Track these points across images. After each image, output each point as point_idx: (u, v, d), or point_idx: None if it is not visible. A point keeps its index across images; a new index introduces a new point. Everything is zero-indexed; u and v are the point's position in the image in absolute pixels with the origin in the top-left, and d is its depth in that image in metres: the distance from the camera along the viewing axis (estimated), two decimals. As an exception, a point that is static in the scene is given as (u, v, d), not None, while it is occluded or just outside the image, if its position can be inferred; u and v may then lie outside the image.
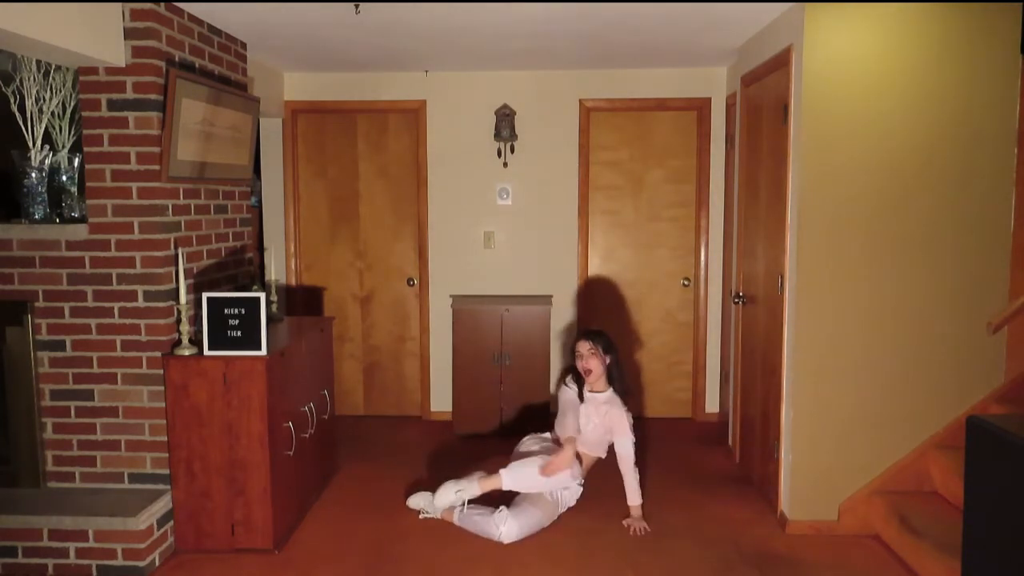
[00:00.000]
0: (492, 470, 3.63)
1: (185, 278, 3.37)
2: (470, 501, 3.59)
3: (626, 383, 3.90)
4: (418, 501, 3.71)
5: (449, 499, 3.58)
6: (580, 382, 3.86)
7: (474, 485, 3.59)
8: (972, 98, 3.36)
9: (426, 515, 3.66)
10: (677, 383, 5.38)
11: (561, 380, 4.06)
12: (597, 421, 3.76)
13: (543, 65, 4.98)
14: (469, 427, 4.95)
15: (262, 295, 3.27)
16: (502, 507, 3.53)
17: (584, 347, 3.79)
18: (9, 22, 2.55)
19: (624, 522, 3.66)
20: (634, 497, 3.72)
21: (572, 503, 3.76)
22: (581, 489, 3.79)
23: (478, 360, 4.91)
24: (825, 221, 3.42)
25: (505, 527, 3.44)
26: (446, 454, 4.65)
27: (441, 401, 5.38)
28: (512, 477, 3.58)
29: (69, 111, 3.40)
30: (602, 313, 5.31)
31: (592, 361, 3.76)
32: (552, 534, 3.54)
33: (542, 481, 3.56)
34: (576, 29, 3.95)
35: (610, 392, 3.81)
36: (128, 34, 3.17)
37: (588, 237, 5.28)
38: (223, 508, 3.31)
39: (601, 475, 4.26)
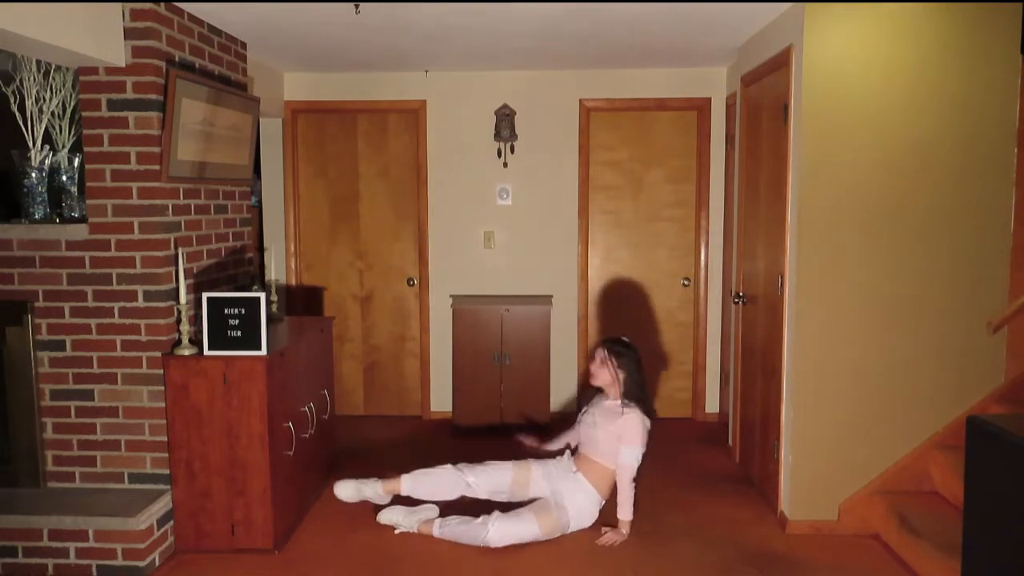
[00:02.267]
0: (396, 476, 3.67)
1: (185, 278, 3.37)
2: (446, 512, 3.56)
3: (645, 402, 3.61)
4: (391, 516, 3.58)
5: (349, 492, 3.63)
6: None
7: (377, 485, 3.64)
8: (972, 98, 3.36)
9: (402, 529, 3.53)
10: (677, 383, 5.38)
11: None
12: (611, 428, 3.53)
13: (543, 65, 4.98)
14: (470, 425, 4.95)
15: (262, 295, 3.27)
16: (495, 511, 3.48)
17: (599, 355, 3.64)
18: (9, 22, 2.55)
19: (603, 529, 3.50)
20: (625, 511, 3.50)
21: (586, 524, 3.56)
22: (597, 512, 3.59)
23: (478, 360, 4.91)
24: (825, 221, 3.42)
25: (493, 528, 3.37)
26: (446, 453, 4.64)
27: (441, 401, 5.38)
28: (412, 484, 3.61)
29: (69, 111, 3.40)
30: (602, 313, 5.32)
31: (602, 370, 3.60)
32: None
33: (445, 489, 3.61)
34: (576, 29, 3.95)
35: (623, 402, 3.56)
36: (128, 34, 3.17)
37: (588, 237, 5.28)
38: (223, 508, 3.31)
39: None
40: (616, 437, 3.52)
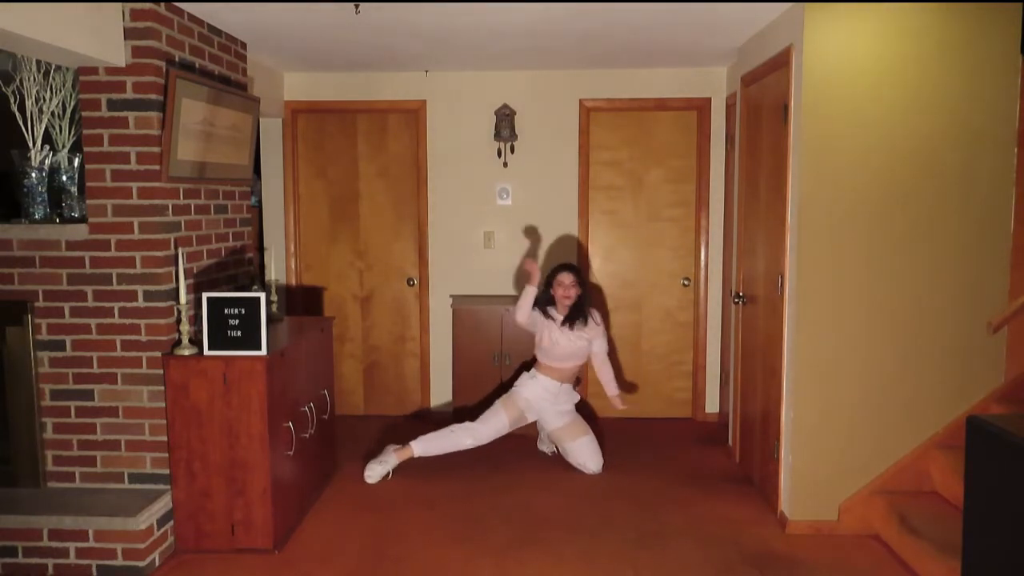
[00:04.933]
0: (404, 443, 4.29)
1: (185, 278, 3.37)
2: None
3: (591, 309, 4.45)
4: (376, 471, 4.14)
5: (378, 472, 4.15)
6: (549, 305, 4.38)
7: (391, 456, 4.20)
8: (972, 98, 3.36)
9: (389, 467, 4.17)
10: (677, 383, 5.38)
11: (538, 308, 4.41)
12: (585, 340, 4.34)
13: (543, 65, 4.98)
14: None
15: (262, 295, 3.27)
16: (467, 421, 4.31)
17: (568, 279, 4.32)
18: (9, 22, 2.55)
19: (611, 400, 4.48)
20: (613, 388, 4.48)
21: (544, 406, 4.33)
22: (572, 395, 4.44)
23: (478, 360, 4.91)
24: (825, 221, 3.42)
25: (475, 436, 4.24)
26: (446, 453, 4.65)
27: (441, 401, 5.38)
28: (422, 446, 4.21)
29: (69, 111, 3.40)
30: (602, 313, 5.31)
31: (572, 291, 4.31)
32: (552, 534, 3.54)
33: (454, 444, 4.25)
34: (576, 29, 3.95)
35: (590, 313, 4.40)
36: (128, 34, 3.17)
37: (588, 237, 5.28)
38: (223, 508, 3.31)
39: (599, 474, 4.26)
40: (587, 341, 4.35)
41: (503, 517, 3.73)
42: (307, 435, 3.75)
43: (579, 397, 4.51)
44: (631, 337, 5.33)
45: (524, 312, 4.35)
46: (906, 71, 3.35)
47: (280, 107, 5.17)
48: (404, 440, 4.28)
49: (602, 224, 5.29)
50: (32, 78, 3.26)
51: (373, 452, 4.67)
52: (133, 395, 3.32)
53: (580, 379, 4.68)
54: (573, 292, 4.31)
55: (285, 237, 5.37)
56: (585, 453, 4.29)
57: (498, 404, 4.35)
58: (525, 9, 3.55)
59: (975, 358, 3.48)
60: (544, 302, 4.38)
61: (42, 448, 3.36)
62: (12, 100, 3.26)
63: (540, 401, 4.33)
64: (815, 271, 3.44)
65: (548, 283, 4.39)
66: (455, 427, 4.28)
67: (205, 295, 3.26)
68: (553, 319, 4.34)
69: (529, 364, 4.72)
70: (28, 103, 3.27)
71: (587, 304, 4.41)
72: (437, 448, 4.24)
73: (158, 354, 3.29)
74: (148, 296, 3.28)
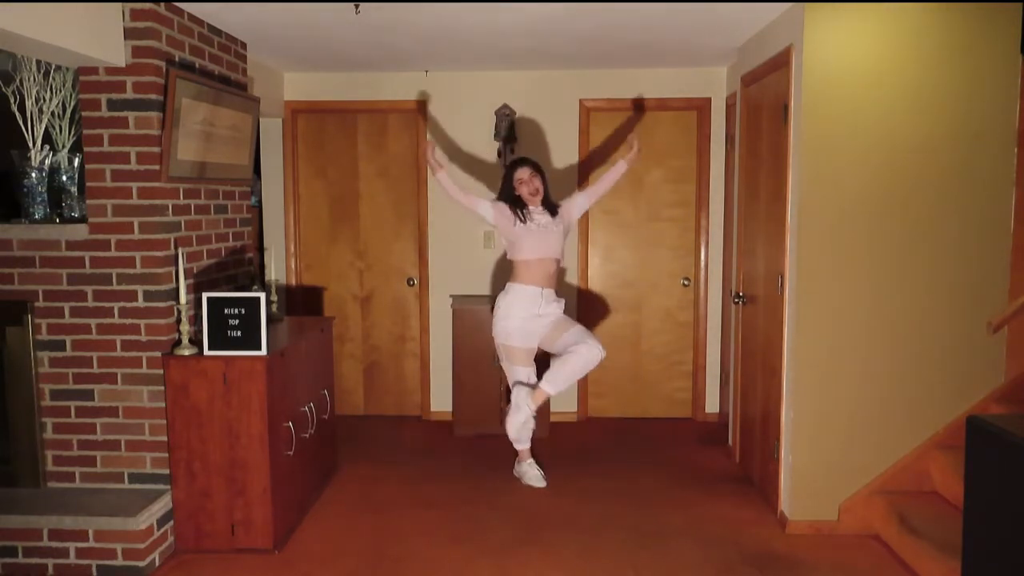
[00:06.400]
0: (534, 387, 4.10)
1: (185, 278, 3.37)
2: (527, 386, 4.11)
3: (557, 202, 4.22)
4: (533, 473, 4.16)
5: (519, 424, 4.08)
6: (520, 206, 4.07)
7: (526, 406, 4.05)
8: (972, 98, 3.36)
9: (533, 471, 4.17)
10: (677, 383, 5.38)
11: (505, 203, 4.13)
12: (562, 227, 4.09)
13: (543, 65, 4.98)
14: (470, 428, 4.96)
15: (262, 295, 3.27)
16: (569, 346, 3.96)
17: (526, 172, 4.06)
18: (9, 22, 2.55)
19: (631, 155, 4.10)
20: (620, 164, 4.12)
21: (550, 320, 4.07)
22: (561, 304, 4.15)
23: (478, 360, 4.91)
24: (825, 221, 3.42)
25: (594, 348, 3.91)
26: (446, 454, 4.65)
27: (441, 401, 5.38)
28: (552, 384, 3.96)
29: (69, 111, 3.40)
30: (602, 313, 5.31)
31: (536, 181, 4.06)
32: (552, 534, 3.54)
33: (573, 369, 3.94)
34: (576, 29, 3.95)
35: (557, 204, 4.17)
36: (128, 34, 3.17)
37: (588, 237, 5.28)
38: (223, 508, 3.31)
39: (599, 474, 4.26)
40: (567, 224, 4.13)
41: (503, 517, 3.73)
42: (307, 435, 3.75)
43: (563, 302, 4.15)
44: (631, 337, 5.33)
45: (454, 191, 4.05)
46: (906, 71, 3.35)
47: (280, 107, 5.17)
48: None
49: (602, 224, 5.28)
50: (32, 78, 3.26)
51: (373, 452, 4.68)
52: (133, 395, 3.32)
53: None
54: (538, 182, 4.03)
55: (285, 237, 5.37)
56: (582, 342, 3.91)
57: (506, 366, 4.14)
58: (525, 9, 3.55)
59: (975, 358, 3.48)
60: (512, 204, 4.07)
61: (42, 448, 3.36)
62: (12, 100, 3.26)
63: (524, 322, 4.02)
64: (815, 271, 3.44)
65: (510, 184, 4.09)
66: (513, 404, 4.09)
67: (205, 295, 3.26)
68: (523, 215, 4.04)
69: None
70: (28, 103, 3.27)
71: (551, 195, 4.16)
72: (517, 430, 4.13)
73: (158, 354, 3.29)
74: (148, 296, 3.28)
